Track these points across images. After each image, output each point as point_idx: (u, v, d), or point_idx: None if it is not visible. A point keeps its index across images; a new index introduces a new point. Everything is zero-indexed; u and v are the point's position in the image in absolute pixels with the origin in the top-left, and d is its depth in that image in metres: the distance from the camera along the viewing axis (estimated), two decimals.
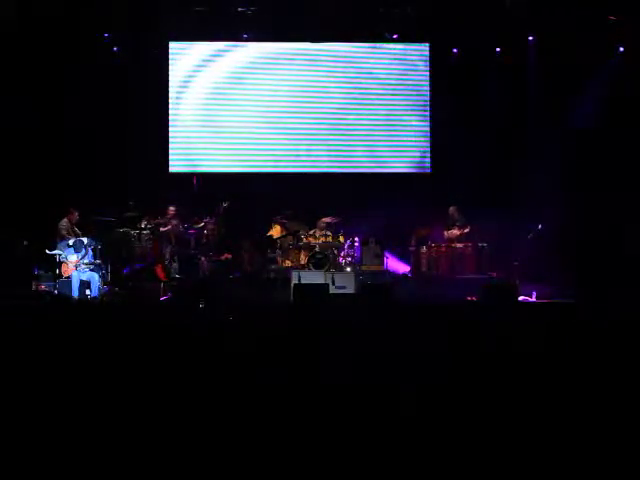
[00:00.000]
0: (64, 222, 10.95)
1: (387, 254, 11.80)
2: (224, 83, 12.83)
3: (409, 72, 13.08)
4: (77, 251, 10.50)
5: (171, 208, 11.64)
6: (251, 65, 12.89)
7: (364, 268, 11.60)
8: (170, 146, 12.72)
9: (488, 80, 12.51)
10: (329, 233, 11.75)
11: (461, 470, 3.03)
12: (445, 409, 3.55)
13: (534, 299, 10.19)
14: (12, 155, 11.51)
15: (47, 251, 10.54)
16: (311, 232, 11.77)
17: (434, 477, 3.03)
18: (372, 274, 11.39)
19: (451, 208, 11.83)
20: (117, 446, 3.17)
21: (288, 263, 11.65)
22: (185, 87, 12.77)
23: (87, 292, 10.32)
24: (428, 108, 13.08)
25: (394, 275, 11.68)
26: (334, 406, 3.55)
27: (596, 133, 11.85)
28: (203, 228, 11.60)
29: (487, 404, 3.63)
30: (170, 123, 12.70)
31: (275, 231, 11.96)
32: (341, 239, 11.76)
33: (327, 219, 11.86)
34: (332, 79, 12.98)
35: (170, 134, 12.71)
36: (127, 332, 5.45)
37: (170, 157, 12.75)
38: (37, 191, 11.39)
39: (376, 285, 10.21)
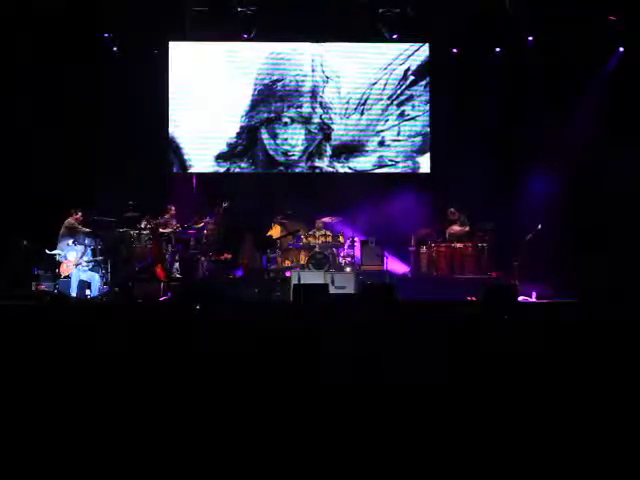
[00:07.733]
0: (69, 222, 10.89)
1: (386, 254, 11.79)
2: (224, 83, 12.82)
3: (409, 72, 13.08)
4: (76, 250, 10.51)
5: (171, 208, 11.65)
6: (251, 65, 12.90)
7: (364, 268, 11.61)
8: (170, 146, 12.74)
9: (488, 80, 12.50)
10: (329, 233, 11.76)
11: (460, 470, 3.03)
12: (445, 409, 3.55)
13: (534, 299, 10.20)
14: (12, 155, 11.50)
15: (47, 251, 10.55)
16: (311, 232, 11.79)
17: (433, 477, 3.03)
18: (372, 274, 11.39)
19: (450, 209, 11.82)
20: (116, 446, 3.17)
21: (288, 263, 11.65)
22: (185, 87, 12.77)
23: (87, 292, 10.35)
24: (428, 108, 13.09)
25: (394, 275, 11.67)
26: (334, 406, 3.55)
27: (596, 132, 11.83)
28: (203, 228, 11.60)
29: (487, 404, 3.63)
30: (170, 123, 12.71)
31: (275, 231, 11.96)
32: (341, 239, 11.78)
33: (325, 219, 11.88)
34: (332, 79, 12.99)
35: (170, 134, 12.73)
36: (127, 332, 5.45)
37: (170, 157, 12.77)
38: (37, 191, 11.38)
39: (376, 285, 10.20)
